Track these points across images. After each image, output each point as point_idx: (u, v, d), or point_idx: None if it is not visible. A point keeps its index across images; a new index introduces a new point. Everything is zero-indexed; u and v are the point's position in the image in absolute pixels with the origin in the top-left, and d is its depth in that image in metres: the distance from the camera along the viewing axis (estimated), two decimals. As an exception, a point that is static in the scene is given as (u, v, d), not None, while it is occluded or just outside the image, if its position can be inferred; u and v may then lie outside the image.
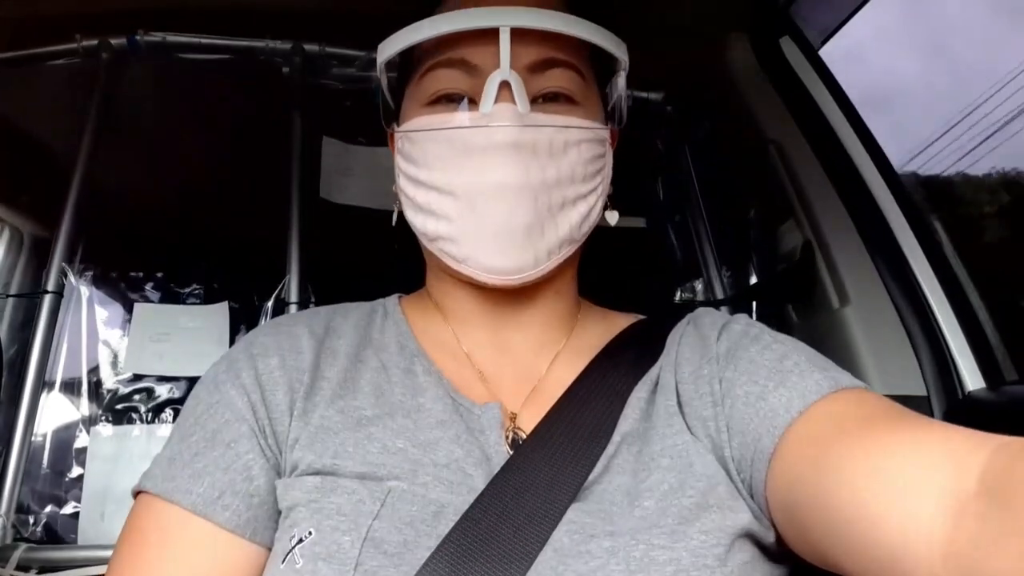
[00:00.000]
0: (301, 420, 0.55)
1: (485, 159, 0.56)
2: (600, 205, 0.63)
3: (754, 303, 1.21)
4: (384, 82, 0.66)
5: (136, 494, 0.55)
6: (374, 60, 0.66)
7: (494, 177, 0.56)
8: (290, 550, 0.48)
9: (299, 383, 0.57)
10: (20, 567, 0.89)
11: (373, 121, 0.67)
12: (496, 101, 0.56)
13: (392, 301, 0.69)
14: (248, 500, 0.53)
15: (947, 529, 0.37)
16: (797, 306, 1.08)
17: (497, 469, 0.53)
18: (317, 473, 0.52)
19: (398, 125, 0.64)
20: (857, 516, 0.41)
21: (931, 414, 0.89)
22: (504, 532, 0.48)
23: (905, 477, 0.40)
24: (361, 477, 0.51)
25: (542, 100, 0.59)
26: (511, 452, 0.54)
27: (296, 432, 0.55)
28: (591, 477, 0.52)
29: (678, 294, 1.41)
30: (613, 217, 0.65)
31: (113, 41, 1.14)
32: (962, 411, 0.88)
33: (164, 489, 0.53)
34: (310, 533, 0.48)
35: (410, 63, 0.65)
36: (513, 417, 0.58)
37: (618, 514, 0.50)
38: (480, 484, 0.52)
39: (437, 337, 0.64)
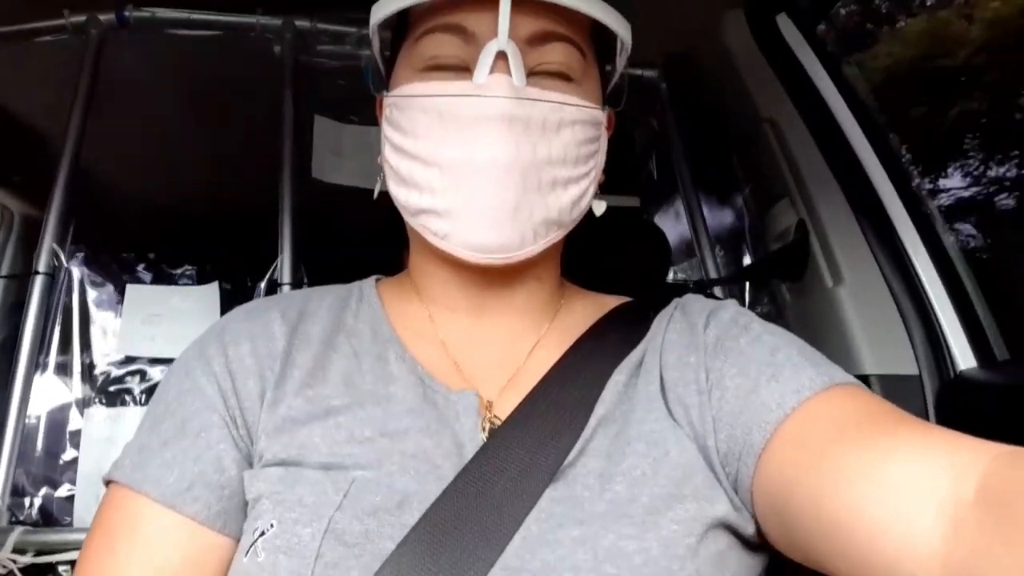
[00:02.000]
0: (271, 410, 0.53)
1: (475, 132, 0.53)
2: (592, 191, 0.60)
3: (747, 283, 1.21)
4: (376, 45, 0.63)
5: (108, 483, 0.54)
6: (367, 36, 0.63)
7: (484, 151, 0.53)
8: (253, 543, 0.47)
9: (270, 371, 0.55)
10: (16, 550, 0.90)
11: (365, 100, 0.65)
12: (491, 72, 0.53)
13: (368, 284, 0.66)
14: (219, 492, 0.51)
15: (946, 537, 0.36)
16: (790, 285, 1.08)
17: (471, 457, 0.51)
18: (282, 464, 0.51)
19: (388, 92, 0.60)
20: (854, 521, 0.40)
21: (923, 393, 0.90)
22: (475, 519, 0.47)
23: (904, 483, 0.39)
24: (326, 468, 0.50)
25: (539, 75, 0.56)
26: (487, 439, 0.53)
27: (265, 422, 0.53)
28: (567, 460, 0.51)
29: (672, 274, 1.41)
30: (600, 207, 0.63)
31: (102, 17, 1.12)
32: (953, 390, 0.89)
33: (133, 479, 0.51)
34: (272, 525, 0.47)
35: (404, 27, 0.61)
36: (489, 405, 0.56)
37: (589, 499, 0.49)
38: (449, 474, 0.50)
39: (413, 322, 0.62)
